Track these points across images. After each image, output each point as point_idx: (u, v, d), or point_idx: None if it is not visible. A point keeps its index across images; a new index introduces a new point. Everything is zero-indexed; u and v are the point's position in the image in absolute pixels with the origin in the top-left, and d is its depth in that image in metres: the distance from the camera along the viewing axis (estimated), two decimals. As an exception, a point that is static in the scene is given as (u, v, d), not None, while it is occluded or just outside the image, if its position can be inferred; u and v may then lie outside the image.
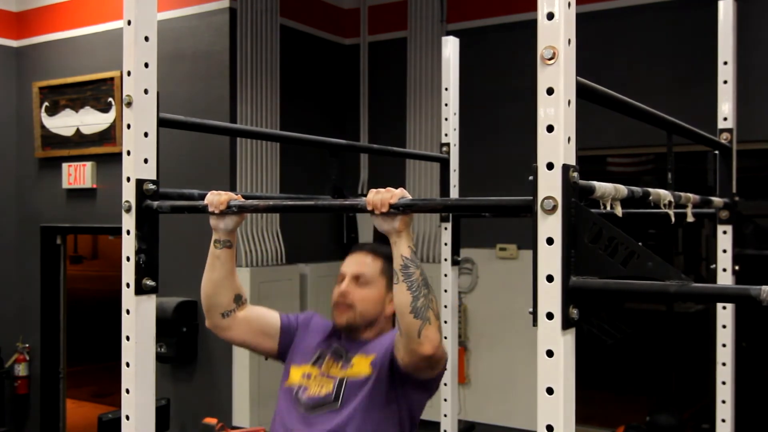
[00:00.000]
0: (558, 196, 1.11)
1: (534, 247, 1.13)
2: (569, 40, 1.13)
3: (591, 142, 4.25)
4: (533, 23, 1.14)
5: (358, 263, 2.09)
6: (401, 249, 1.69)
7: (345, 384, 2.00)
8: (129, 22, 1.66)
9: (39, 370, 5.53)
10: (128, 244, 1.69)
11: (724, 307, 2.67)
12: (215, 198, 1.74)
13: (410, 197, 1.61)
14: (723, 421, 2.67)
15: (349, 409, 1.95)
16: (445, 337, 2.86)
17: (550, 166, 1.12)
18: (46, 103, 5.34)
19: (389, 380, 1.97)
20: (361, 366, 2.01)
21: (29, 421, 5.60)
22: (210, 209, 1.74)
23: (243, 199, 1.79)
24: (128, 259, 1.68)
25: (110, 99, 5.03)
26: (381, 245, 2.05)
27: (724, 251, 2.67)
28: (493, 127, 4.73)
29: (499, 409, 4.66)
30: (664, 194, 1.62)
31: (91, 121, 5.14)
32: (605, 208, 1.32)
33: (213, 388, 4.63)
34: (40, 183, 5.49)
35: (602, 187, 1.27)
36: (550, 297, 1.11)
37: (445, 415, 2.85)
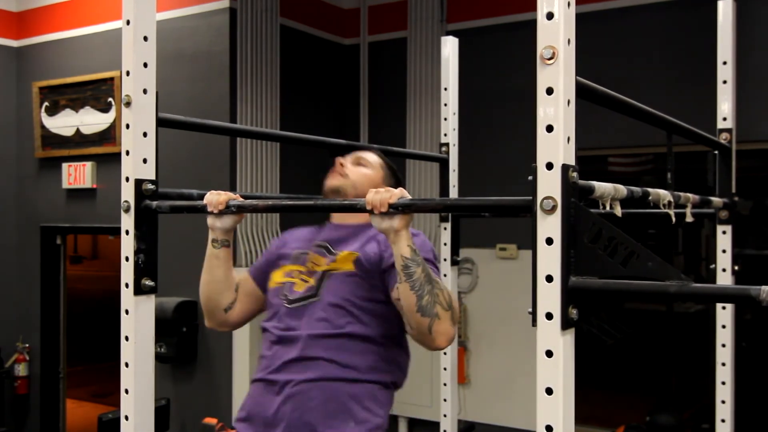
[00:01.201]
0: (557, 196, 1.11)
1: (533, 247, 1.13)
2: (569, 40, 1.13)
3: (591, 142, 4.25)
4: (533, 23, 1.14)
5: (360, 153, 2.11)
6: (401, 249, 1.68)
7: (327, 276, 1.91)
8: (128, 22, 1.66)
9: (39, 370, 5.53)
10: (127, 244, 1.69)
11: (724, 308, 2.67)
12: (214, 198, 1.74)
13: (409, 197, 1.61)
14: (723, 421, 2.67)
15: (329, 294, 1.89)
16: (445, 337, 2.86)
17: (549, 166, 1.12)
18: (46, 103, 5.34)
19: (376, 286, 1.88)
20: (344, 261, 1.92)
21: (29, 421, 5.60)
22: (209, 209, 1.74)
23: (242, 199, 1.78)
24: (127, 259, 1.68)
25: (110, 99, 5.03)
26: None
27: (724, 251, 2.67)
28: (492, 127, 4.73)
29: (499, 409, 4.66)
30: (664, 194, 1.62)
31: (91, 121, 5.14)
32: (605, 208, 1.32)
33: (213, 388, 4.63)
34: (40, 183, 5.49)
35: (602, 187, 1.27)
36: (550, 297, 1.11)
37: (445, 415, 2.85)
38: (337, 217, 2.10)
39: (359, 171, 2.05)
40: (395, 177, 2.11)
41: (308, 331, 1.86)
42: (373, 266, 1.89)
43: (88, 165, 5.15)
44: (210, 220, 1.87)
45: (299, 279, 1.96)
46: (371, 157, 2.10)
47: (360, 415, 1.83)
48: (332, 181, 2.05)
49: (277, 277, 2.02)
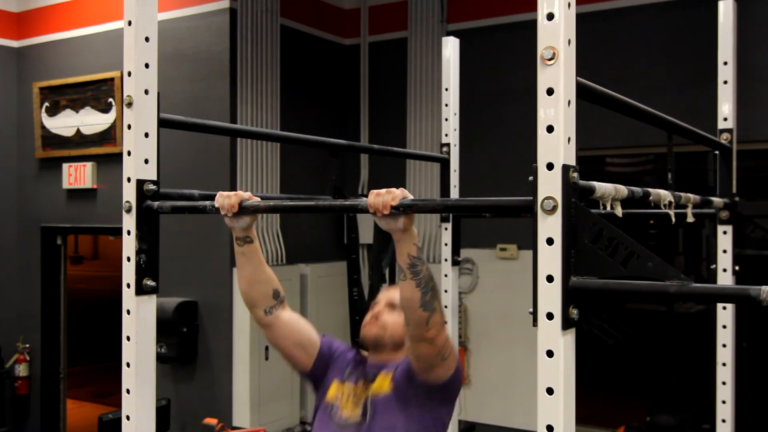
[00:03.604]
0: (558, 196, 1.11)
1: (534, 248, 1.13)
2: (569, 41, 1.13)
3: (591, 142, 4.25)
4: (533, 23, 1.14)
5: (394, 293, 2.18)
6: (407, 248, 1.70)
7: (369, 402, 2.07)
8: (129, 23, 1.67)
9: (39, 371, 5.53)
10: (128, 245, 1.69)
11: (724, 308, 2.67)
12: (226, 201, 1.72)
13: (411, 197, 1.61)
14: (723, 421, 2.67)
15: (375, 422, 2.04)
16: (446, 337, 2.86)
17: (550, 166, 1.12)
18: (47, 104, 5.34)
19: (410, 394, 2.04)
20: (382, 383, 2.08)
21: (29, 421, 5.60)
22: (222, 212, 1.74)
23: (257, 199, 1.77)
24: (128, 259, 1.68)
25: (111, 99, 5.03)
26: None
27: (724, 251, 2.67)
28: (493, 127, 4.73)
29: (499, 409, 4.66)
30: (664, 194, 1.62)
31: (91, 121, 5.14)
32: (605, 208, 1.32)
33: (213, 388, 4.63)
34: (40, 183, 5.49)
35: (602, 187, 1.27)
36: (550, 297, 1.11)
37: (446, 415, 2.85)
38: (375, 360, 2.21)
39: (393, 318, 2.15)
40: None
41: None
42: (405, 377, 2.04)
43: (89, 165, 5.16)
44: (228, 221, 1.85)
45: (345, 402, 2.12)
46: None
47: None
48: (370, 332, 2.17)
49: (331, 391, 2.18)
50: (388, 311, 2.18)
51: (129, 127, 1.68)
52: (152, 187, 1.70)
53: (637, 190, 1.49)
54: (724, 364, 2.67)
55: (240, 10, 4.56)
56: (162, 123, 1.73)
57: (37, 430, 5.54)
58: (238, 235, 1.93)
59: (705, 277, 4.35)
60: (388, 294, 2.24)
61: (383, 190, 1.59)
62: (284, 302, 2.15)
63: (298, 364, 2.21)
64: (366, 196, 1.61)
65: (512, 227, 4.50)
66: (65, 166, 5.26)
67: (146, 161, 1.69)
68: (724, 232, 2.67)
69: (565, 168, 1.11)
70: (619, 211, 1.33)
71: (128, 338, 1.69)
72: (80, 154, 5.19)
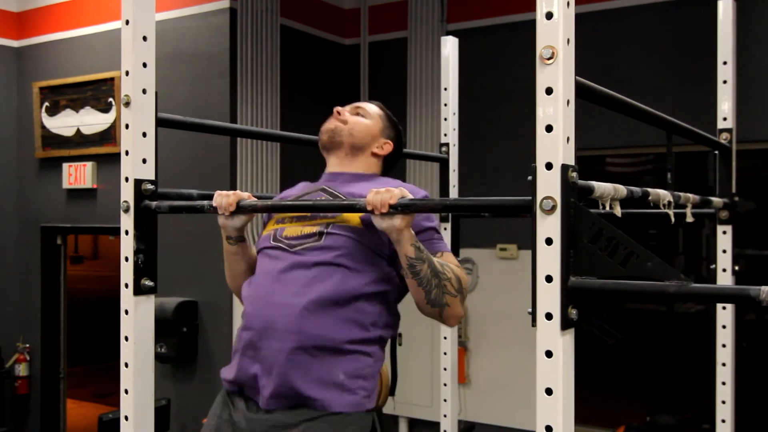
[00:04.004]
0: (557, 196, 1.11)
1: (533, 248, 1.13)
2: (568, 40, 1.13)
3: (590, 142, 4.24)
4: (533, 23, 1.14)
5: (361, 102, 2.09)
6: (405, 249, 1.66)
7: (330, 225, 1.79)
8: (127, 22, 1.66)
9: (39, 370, 5.53)
10: (127, 245, 1.69)
11: (724, 308, 2.67)
12: (224, 200, 1.72)
13: (410, 197, 1.61)
14: (723, 421, 2.67)
15: (333, 242, 1.77)
16: (445, 338, 2.87)
17: (549, 166, 1.12)
18: (47, 103, 5.34)
19: (381, 250, 1.79)
20: (350, 216, 1.80)
21: (29, 421, 5.60)
22: (219, 211, 1.73)
23: (254, 198, 1.76)
24: (127, 259, 1.68)
25: (111, 99, 5.03)
26: None
27: (724, 251, 2.67)
28: (492, 127, 4.73)
29: (499, 409, 4.66)
30: (664, 194, 1.62)
31: (91, 121, 5.14)
32: (604, 208, 1.32)
33: (213, 388, 4.63)
34: (40, 183, 5.49)
35: (601, 187, 1.27)
36: (549, 297, 1.11)
37: (445, 415, 2.85)
38: (333, 165, 2.00)
39: (357, 119, 2.01)
40: (395, 129, 2.08)
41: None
42: (380, 237, 1.77)
43: (89, 165, 5.15)
44: (221, 220, 1.81)
45: (297, 225, 1.84)
46: (371, 108, 2.07)
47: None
48: (328, 125, 2.00)
49: (270, 225, 1.92)
50: (351, 114, 2.02)
51: (127, 126, 1.68)
52: (150, 186, 1.70)
53: (637, 189, 1.49)
54: (724, 364, 2.67)
55: (240, 10, 4.56)
56: (160, 122, 1.73)
57: (37, 430, 5.54)
58: (230, 235, 1.88)
59: (705, 277, 4.35)
60: (359, 102, 2.09)
61: (382, 189, 1.59)
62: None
63: None
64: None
65: (512, 227, 4.49)
66: (65, 165, 5.26)
67: (144, 161, 1.69)
68: (724, 232, 2.67)
69: (564, 168, 1.11)
70: (618, 211, 1.33)
71: (126, 338, 1.68)
72: (80, 154, 5.18)
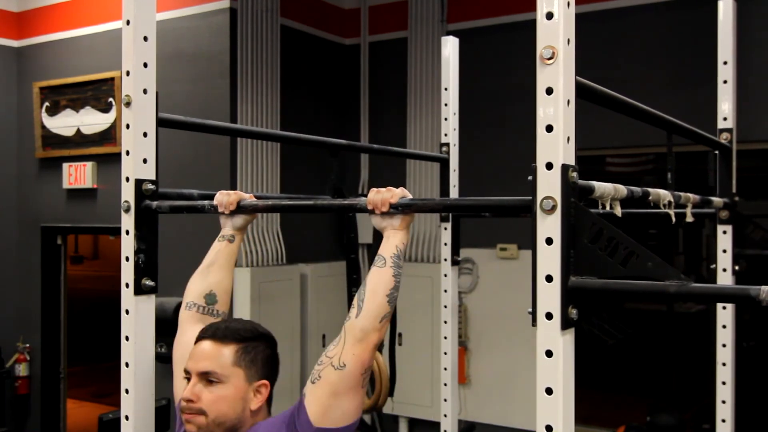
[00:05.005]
0: (557, 196, 1.11)
1: (533, 247, 1.13)
2: (568, 40, 1.13)
3: (591, 142, 4.24)
4: (533, 23, 1.14)
5: (205, 356, 1.67)
6: (397, 240, 1.60)
7: None
8: (128, 22, 1.66)
9: (39, 370, 5.53)
10: (127, 245, 1.69)
11: (724, 308, 2.67)
12: (225, 198, 1.73)
13: (411, 197, 1.60)
14: (723, 421, 2.67)
15: None
16: (445, 337, 2.87)
17: (549, 166, 1.12)
18: (47, 103, 5.34)
19: None
20: None
21: (30, 421, 5.60)
22: (220, 209, 1.73)
23: (255, 199, 1.76)
24: (127, 259, 1.68)
25: (111, 99, 5.03)
26: (231, 321, 1.77)
27: (724, 251, 2.66)
28: (492, 127, 4.73)
29: (499, 409, 4.66)
30: (664, 194, 1.62)
31: (91, 121, 5.14)
32: (605, 208, 1.32)
33: (213, 388, 4.63)
34: (40, 183, 5.49)
35: (602, 187, 1.27)
36: (550, 297, 1.11)
37: (445, 415, 2.85)
38: None
39: (213, 397, 1.66)
40: (261, 349, 1.72)
41: None
42: None
43: (89, 165, 5.15)
44: (222, 219, 1.83)
45: None
46: (218, 362, 1.67)
47: None
48: (190, 428, 1.66)
49: None
50: (203, 386, 1.66)
51: (128, 126, 1.68)
52: (151, 186, 1.70)
53: (637, 189, 1.49)
54: (724, 364, 2.67)
55: (240, 10, 4.56)
56: (161, 122, 1.73)
57: (37, 429, 5.54)
58: (227, 233, 1.86)
59: (705, 277, 4.35)
60: (200, 357, 1.68)
61: (383, 189, 1.59)
62: (209, 316, 1.82)
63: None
64: (366, 195, 1.61)
65: (512, 227, 4.50)
66: (65, 165, 5.26)
67: (145, 161, 1.69)
68: (724, 232, 2.67)
69: (565, 168, 1.11)
70: (618, 211, 1.33)
71: (127, 338, 1.69)
72: (80, 154, 5.18)
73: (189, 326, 1.83)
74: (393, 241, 1.60)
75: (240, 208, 1.73)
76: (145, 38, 1.68)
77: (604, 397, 4.91)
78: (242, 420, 1.68)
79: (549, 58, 1.11)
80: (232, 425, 1.67)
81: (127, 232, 1.69)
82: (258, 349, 1.73)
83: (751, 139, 3.76)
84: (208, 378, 1.66)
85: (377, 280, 1.58)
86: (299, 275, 4.90)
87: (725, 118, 2.73)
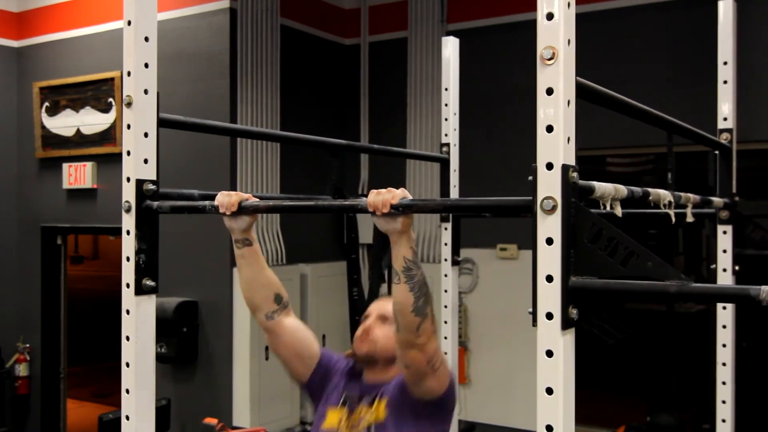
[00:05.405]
0: (557, 196, 1.11)
1: (533, 248, 1.13)
2: (569, 41, 1.13)
3: (591, 142, 4.25)
4: (533, 23, 1.14)
5: (385, 305, 2.12)
6: (403, 250, 1.67)
7: (371, 428, 2.03)
8: (129, 23, 1.66)
9: (39, 370, 5.53)
10: (128, 245, 1.69)
11: (724, 308, 2.67)
12: (226, 199, 1.72)
13: (411, 197, 1.61)
14: (723, 421, 2.67)
15: None
16: (445, 337, 2.87)
17: (549, 166, 1.12)
18: (47, 104, 5.34)
19: (404, 413, 2.00)
20: (378, 410, 2.03)
21: (30, 421, 5.60)
22: (221, 210, 1.73)
23: (255, 199, 1.77)
24: (128, 259, 1.68)
25: (111, 99, 5.03)
26: None
27: (724, 251, 2.67)
28: (493, 127, 4.73)
29: (499, 409, 4.66)
30: (664, 194, 1.62)
31: (91, 121, 5.14)
32: (605, 208, 1.32)
33: (213, 388, 4.63)
34: (40, 183, 5.49)
35: (602, 187, 1.27)
36: (550, 297, 1.11)
37: (446, 415, 2.85)
38: (369, 376, 2.15)
39: (385, 332, 2.10)
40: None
41: None
42: (399, 394, 2.01)
43: (89, 165, 5.16)
44: (227, 222, 1.83)
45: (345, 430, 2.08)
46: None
47: None
48: (361, 349, 2.11)
49: (330, 419, 2.13)
50: (379, 324, 2.12)
51: (128, 126, 1.68)
52: (152, 186, 1.70)
53: (637, 189, 1.49)
54: (724, 364, 2.67)
55: (240, 10, 4.56)
56: (161, 123, 1.73)
57: (37, 430, 5.54)
58: (237, 237, 1.91)
59: (705, 277, 4.35)
60: (380, 305, 2.18)
61: (384, 190, 1.59)
62: (288, 308, 2.11)
63: (295, 374, 2.19)
64: (366, 196, 1.61)
65: (512, 227, 4.50)
66: (65, 166, 5.27)
67: (146, 161, 1.69)
68: (724, 232, 2.67)
69: (565, 168, 1.11)
70: (618, 211, 1.33)
71: (127, 338, 1.68)
72: (80, 154, 5.19)
73: (283, 325, 2.10)
74: (400, 251, 1.69)
75: (241, 209, 1.72)
76: (146, 39, 1.68)
77: (604, 397, 4.92)
78: (393, 360, 2.05)
79: (549, 59, 1.11)
80: (391, 357, 2.06)
81: (128, 232, 1.69)
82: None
83: (751, 139, 3.76)
84: (384, 319, 2.11)
85: (398, 298, 1.76)
86: (299, 275, 4.91)
87: (725, 118, 2.73)
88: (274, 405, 4.70)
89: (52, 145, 5.34)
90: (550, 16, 1.12)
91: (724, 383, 2.67)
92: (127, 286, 1.68)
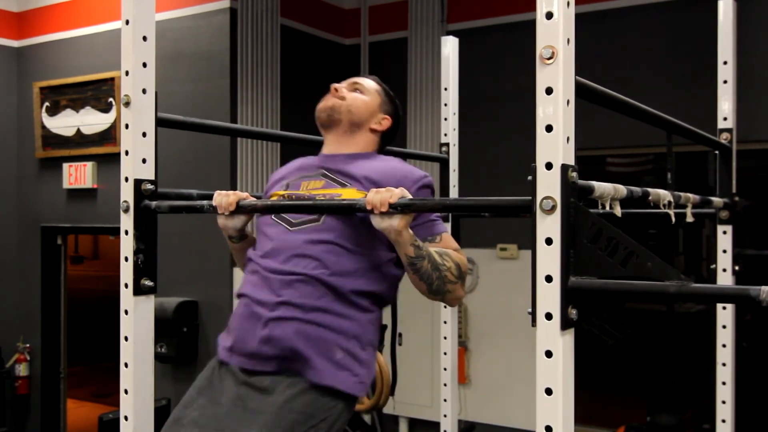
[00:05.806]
0: (557, 196, 1.11)
1: (533, 248, 1.13)
2: (568, 40, 1.13)
3: (591, 142, 4.24)
4: (533, 23, 1.14)
5: (358, 78, 2.05)
6: (405, 249, 1.67)
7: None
8: (127, 22, 1.66)
9: (39, 370, 5.53)
10: (126, 245, 1.69)
11: (724, 308, 2.67)
12: (223, 200, 1.71)
13: (410, 197, 1.60)
14: (723, 421, 2.67)
15: (332, 223, 1.77)
16: (445, 337, 2.87)
17: (548, 165, 1.12)
18: (47, 103, 5.34)
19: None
20: (354, 193, 1.80)
21: (30, 421, 5.60)
22: (219, 211, 1.72)
23: (253, 199, 1.76)
24: (126, 259, 1.68)
25: (111, 99, 5.03)
26: None
27: (724, 251, 2.66)
28: (492, 127, 4.72)
29: (499, 409, 4.66)
30: (664, 194, 1.62)
31: (91, 121, 5.14)
32: (604, 208, 1.32)
33: (213, 389, 4.62)
34: (40, 183, 5.49)
35: (601, 187, 1.27)
36: (549, 297, 1.11)
37: (445, 415, 2.85)
38: (331, 143, 1.98)
39: (355, 95, 1.97)
40: (393, 104, 2.04)
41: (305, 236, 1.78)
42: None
43: (89, 165, 5.15)
44: (221, 221, 1.80)
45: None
46: (368, 83, 2.03)
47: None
48: (326, 102, 1.97)
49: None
50: (349, 90, 1.99)
51: (127, 126, 1.68)
52: (150, 186, 1.69)
53: (637, 189, 1.48)
54: (724, 364, 2.67)
55: (240, 10, 4.56)
56: (160, 122, 1.73)
57: (37, 429, 5.54)
58: (231, 235, 1.88)
59: (705, 277, 4.34)
60: (355, 77, 2.04)
61: (383, 189, 1.59)
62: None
63: None
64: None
65: (512, 227, 4.49)
66: (65, 165, 5.26)
67: (144, 161, 1.69)
68: (724, 232, 2.67)
69: (564, 168, 1.11)
70: (618, 211, 1.32)
71: (126, 338, 1.68)
72: (80, 154, 5.18)
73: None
74: (401, 250, 1.68)
75: (239, 209, 1.72)
76: (144, 38, 1.68)
77: (604, 397, 4.91)
78: (362, 126, 1.97)
79: (549, 58, 1.11)
80: (356, 122, 1.95)
81: (127, 232, 1.69)
82: (392, 99, 2.06)
83: (751, 139, 3.76)
84: (355, 87, 2.00)
85: (414, 285, 1.75)
86: (299, 275, 4.90)
87: (725, 118, 2.72)
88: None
89: (52, 145, 5.34)
90: (549, 16, 1.12)
91: (724, 383, 2.67)
92: (126, 286, 1.68)
